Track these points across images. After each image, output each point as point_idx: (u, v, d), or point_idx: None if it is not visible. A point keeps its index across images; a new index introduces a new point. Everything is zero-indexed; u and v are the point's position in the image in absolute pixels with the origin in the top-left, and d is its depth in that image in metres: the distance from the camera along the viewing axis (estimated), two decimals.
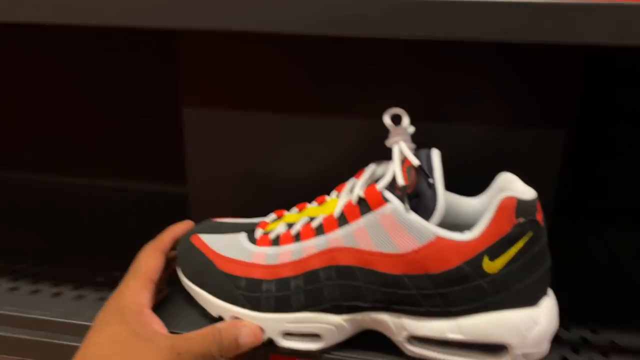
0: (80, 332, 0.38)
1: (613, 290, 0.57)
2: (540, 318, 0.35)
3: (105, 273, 0.52)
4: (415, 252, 0.34)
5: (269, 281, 0.38)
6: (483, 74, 0.44)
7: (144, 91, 0.70)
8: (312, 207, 0.40)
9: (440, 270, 0.34)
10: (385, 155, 0.39)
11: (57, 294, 0.48)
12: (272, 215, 0.43)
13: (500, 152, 0.45)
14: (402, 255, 0.34)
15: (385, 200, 0.35)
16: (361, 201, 0.36)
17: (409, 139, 0.38)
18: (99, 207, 0.70)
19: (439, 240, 0.34)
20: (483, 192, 0.39)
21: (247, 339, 0.37)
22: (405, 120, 0.38)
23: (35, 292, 0.49)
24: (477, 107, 0.44)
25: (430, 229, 0.34)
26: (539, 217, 0.34)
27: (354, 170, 0.41)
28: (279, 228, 0.40)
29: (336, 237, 0.36)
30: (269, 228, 0.41)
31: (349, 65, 0.45)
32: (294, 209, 0.42)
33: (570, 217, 0.65)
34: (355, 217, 0.36)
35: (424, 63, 0.44)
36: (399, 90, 0.44)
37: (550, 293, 0.37)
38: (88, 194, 0.75)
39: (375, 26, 0.32)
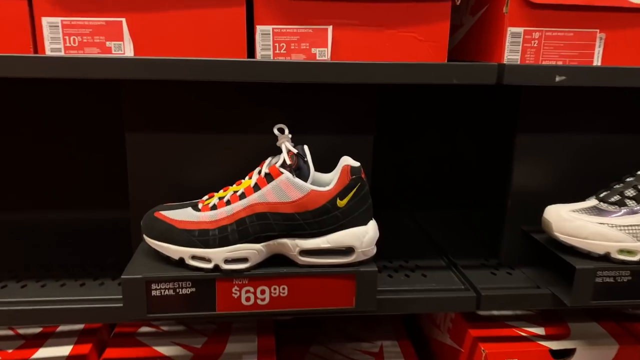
0: None
1: (418, 241, 0.92)
2: (369, 230, 0.65)
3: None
4: (300, 199, 0.62)
5: (213, 229, 0.62)
6: (323, 104, 0.74)
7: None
8: (233, 187, 0.66)
9: (315, 207, 0.62)
10: (257, 160, 0.67)
11: None
12: (206, 197, 0.67)
13: (337, 149, 0.75)
14: (294, 202, 0.62)
15: (281, 172, 0.62)
16: (267, 175, 0.63)
17: (289, 140, 0.66)
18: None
19: (313, 192, 0.62)
20: (334, 170, 0.68)
21: None
22: (286, 130, 0.66)
23: None
24: (322, 122, 0.74)
25: (307, 186, 0.62)
26: (363, 176, 0.64)
27: (251, 168, 0.67)
28: (214, 200, 0.65)
29: (253, 198, 0.62)
30: (206, 202, 0.65)
31: (244, 101, 0.72)
32: (220, 191, 0.67)
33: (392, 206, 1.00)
34: (264, 185, 0.62)
35: (288, 98, 0.73)
36: (274, 116, 0.72)
37: (372, 219, 0.67)
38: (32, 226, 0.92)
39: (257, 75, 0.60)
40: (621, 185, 0.72)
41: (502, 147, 0.83)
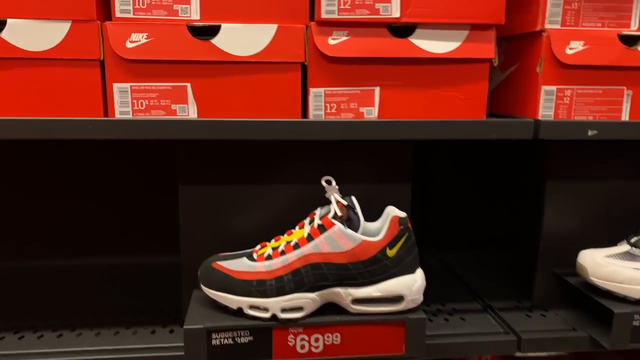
0: None
1: (450, 282, 0.95)
2: (417, 278, 0.68)
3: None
4: (352, 249, 0.65)
5: (270, 279, 0.66)
6: (364, 155, 0.78)
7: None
8: (285, 237, 0.69)
9: (366, 257, 0.66)
10: (303, 210, 0.71)
11: None
12: (258, 246, 0.70)
13: (376, 198, 0.79)
14: (346, 252, 0.65)
15: (334, 224, 0.66)
16: (320, 226, 0.66)
17: (337, 191, 0.69)
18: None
19: (364, 242, 0.66)
20: (379, 219, 0.72)
21: None
22: (333, 182, 0.70)
23: None
24: (362, 172, 0.78)
25: (359, 236, 0.66)
26: (410, 226, 0.68)
27: (296, 217, 0.71)
28: (268, 251, 0.68)
29: (307, 248, 0.66)
30: (260, 252, 0.69)
31: (288, 154, 0.76)
32: (272, 241, 0.70)
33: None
34: (317, 235, 0.66)
35: (331, 151, 0.77)
36: (317, 167, 0.76)
37: (419, 268, 0.70)
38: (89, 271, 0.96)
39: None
40: None
41: (530, 192, 0.87)
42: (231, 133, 0.65)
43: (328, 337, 0.67)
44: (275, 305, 0.65)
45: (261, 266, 0.67)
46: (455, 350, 0.74)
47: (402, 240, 0.67)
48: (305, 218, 0.71)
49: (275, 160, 0.76)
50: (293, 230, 0.70)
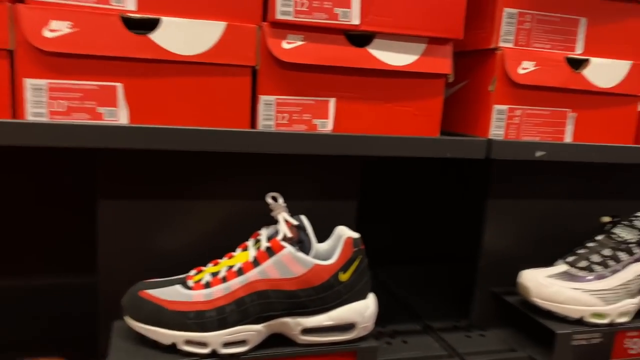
0: None
1: (387, 301, 0.92)
2: (370, 304, 0.64)
3: None
4: (304, 274, 0.59)
5: (209, 310, 0.58)
6: (307, 170, 0.72)
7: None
8: (225, 260, 0.62)
9: (318, 283, 0.60)
10: (242, 229, 0.64)
11: None
12: (193, 271, 0.62)
13: (320, 216, 0.74)
14: (297, 278, 0.59)
15: (284, 247, 0.59)
16: (268, 249, 0.60)
17: (286, 209, 0.63)
18: None
19: (316, 266, 0.60)
20: (329, 239, 0.66)
21: None
22: (280, 199, 0.63)
23: None
24: (305, 188, 0.73)
25: (311, 260, 0.60)
26: (363, 247, 0.63)
27: (233, 238, 0.64)
28: (206, 277, 0.60)
29: (253, 274, 0.59)
30: (196, 278, 0.61)
31: (224, 167, 0.68)
32: (209, 264, 0.62)
33: None
34: (264, 259, 0.59)
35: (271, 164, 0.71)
36: (256, 182, 0.69)
37: (371, 292, 0.65)
38: None
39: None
40: (586, 250, 0.77)
41: (471, 210, 0.87)
42: (170, 143, 0.56)
43: None
44: (216, 339, 0.58)
45: (199, 295, 0.59)
46: None
47: (356, 263, 0.62)
48: (246, 238, 0.64)
49: (212, 172, 0.68)
50: (234, 253, 0.63)
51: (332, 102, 0.63)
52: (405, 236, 1.07)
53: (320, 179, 0.72)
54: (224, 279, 0.59)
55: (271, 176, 0.70)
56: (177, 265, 0.65)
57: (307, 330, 0.61)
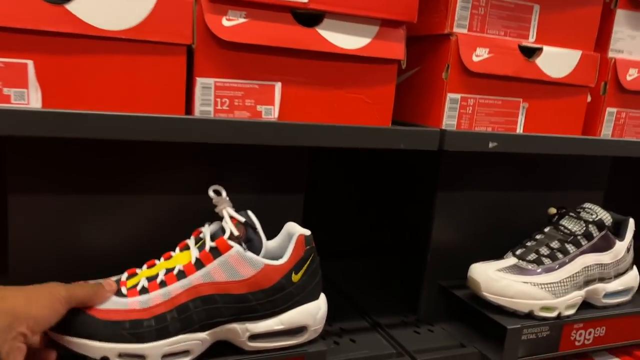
0: None
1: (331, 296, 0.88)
2: (321, 305, 0.60)
3: None
4: (253, 276, 0.54)
5: (148, 319, 0.51)
6: (250, 160, 0.67)
7: None
8: (163, 262, 0.55)
9: (269, 285, 0.55)
10: (180, 225, 0.59)
11: None
12: (125, 274, 0.56)
13: (263, 210, 0.68)
14: (246, 280, 0.54)
15: (231, 246, 0.54)
16: (213, 250, 0.54)
17: (230, 204, 0.57)
18: None
19: (267, 267, 0.55)
20: (277, 236, 0.61)
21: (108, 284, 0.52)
22: (223, 192, 0.58)
23: None
24: (248, 180, 0.67)
25: (261, 260, 0.55)
26: (314, 245, 0.59)
27: (166, 234, 0.58)
28: (142, 282, 0.54)
29: (197, 277, 0.53)
30: (131, 283, 0.54)
31: (155, 155, 0.61)
32: (144, 267, 0.56)
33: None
34: (209, 261, 0.53)
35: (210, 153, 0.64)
36: (193, 172, 0.63)
37: (322, 293, 0.61)
38: None
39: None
40: (534, 242, 0.76)
41: (419, 201, 0.84)
42: (90, 131, 0.49)
43: None
44: (155, 351, 0.51)
45: (135, 302, 0.52)
46: None
47: (308, 262, 0.58)
48: (184, 236, 0.58)
49: (144, 163, 0.61)
50: (172, 253, 0.56)
51: (277, 87, 0.57)
52: (351, 228, 1.04)
53: (265, 171, 0.67)
54: (163, 284, 0.53)
55: (211, 167, 0.63)
56: (104, 269, 0.57)
57: (255, 336, 0.56)
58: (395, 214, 0.96)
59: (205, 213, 0.58)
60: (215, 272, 0.53)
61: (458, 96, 0.66)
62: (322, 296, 0.60)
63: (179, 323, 0.52)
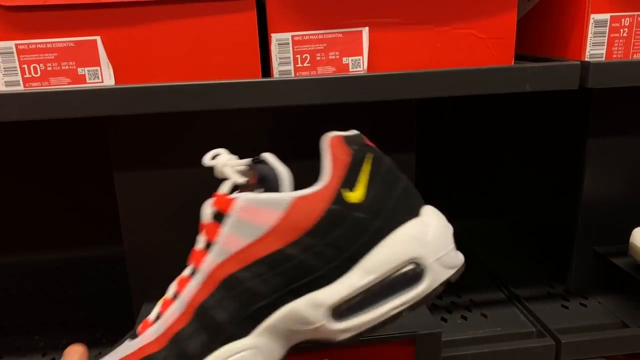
0: None
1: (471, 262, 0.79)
2: (428, 219, 0.37)
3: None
4: (282, 220, 0.35)
5: (161, 350, 0.36)
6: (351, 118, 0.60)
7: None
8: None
9: (313, 223, 0.35)
10: None
11: None
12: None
13: None
14: (273, 231, 0.35)
15: (233, 198, 0.36)
16: (216, 216, 0.37)
17: (232, 157, 0.39)
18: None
19: (298, 199, 0.35)
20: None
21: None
22: (224, 152, 0.40)
23: None
24: None
25: (285, 195, 0.36)
26: (371, 144, 0.39)
27: None
28: (156, 309, 0.39)
29: (209, 262, 0.36)
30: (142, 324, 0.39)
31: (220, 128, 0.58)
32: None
33: None
34: (215, 232, 0.36)
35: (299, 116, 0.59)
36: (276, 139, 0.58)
37: (424, 204, 0.39)
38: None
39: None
40: None
41: (566, 152, 0.70)
42: (166, 104, 0.46)
43: None
44: None
45: (146, 336, 0.37)
46: None
47: (367, 167, 0.37)
48: None
49: (220, 131, 0.57)
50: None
51: (365, 33, 0.49)
52: (481, 186, 0.92)
53: (367, 131, 0.60)
54: (175, 295, 0.38)
55: (296, 132, 0.58)
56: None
57: (340, 312, 0.36)
58: (533, 168, 0.82)
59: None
60: (229, 241, 0.36)
61: (607, 16, 0.51)
62: (427, 209, 0.39)
63: (206, 334, 0.35)
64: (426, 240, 0.36)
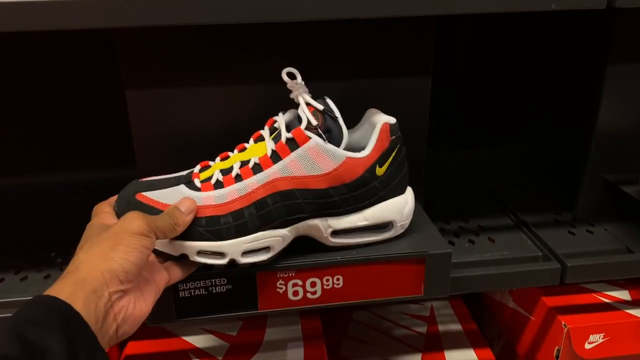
0: None
1: (472, 190, 0.79)
2: (408, 200, 0.54)
3: None
4: (334, 170, 0.49)
5: (224, 215, 0.47)
6: (363, 41, 0.58)
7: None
8: (237, 154, 0.50)
9: (351, 179, 0.50)
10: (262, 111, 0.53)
11: None
12: (197, 167, 0.51)
13: (388, 96, 0.60)
14: (326, 174, 0.49)
15: (309, 137, 0.48)
16: (289, 141, 0.48)
17: (306, 90, 0.50)
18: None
19: (348, 159, 0.49)
20: (358, 125, 0.54)
21: (184, 204, 0.46)
22: (299, 76, 0.49)
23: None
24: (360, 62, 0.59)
25: (342, 153, 0.49)
26: (400, 134, 0.52)
27: (246, 124, 0.53)
28: (216, 175, 0.49)
29: (274, 171, 0.48)
30: (204, 176, 0.49)
31: (239, 44, 0.56)
32: (217, 159, 0.51)
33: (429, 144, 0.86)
34: (286, 154, 0.48)
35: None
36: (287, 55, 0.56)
37: (408, 186, 0.55)
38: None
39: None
40: None
41: (581, 79, 0.69)
42: (181, 16, 0.45)
43: (328, 280, 0.53)
44: (234, 248, 0.48)
45: (209, 197, 0.48)
46: (485, 284, 0.60)
47: (394, 154, 0.51)
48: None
49: (233, 49, 0.56)
50: (246, 145, 0.51)
51: None
52: (490, 113, 0.91)
53: (382, 52, 0.58)
54: (239, 177, 0.49)
55: (310, 50, 0.56)
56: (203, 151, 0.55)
57: (338, 232, 0.52)
58: (548, 97, 0.81)
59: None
60: (293, 165, 0.48)
61: None
62: (409, 190, 0.55)
63: (258, 220, 0.48)
64: (403, 212, 0.54)
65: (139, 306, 0.42)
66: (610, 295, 0.70)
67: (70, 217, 0.73)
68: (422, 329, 0.78)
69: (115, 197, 0.50)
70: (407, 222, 0.55)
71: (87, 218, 0.48)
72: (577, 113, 0.71)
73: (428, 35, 0.58)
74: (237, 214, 0.48)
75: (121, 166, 0.77)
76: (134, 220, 0.42)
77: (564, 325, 0.64)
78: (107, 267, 0.39)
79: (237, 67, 0.57)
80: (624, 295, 0.70)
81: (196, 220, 0.47)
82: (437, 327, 0.79)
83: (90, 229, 0.44)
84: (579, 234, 0.67)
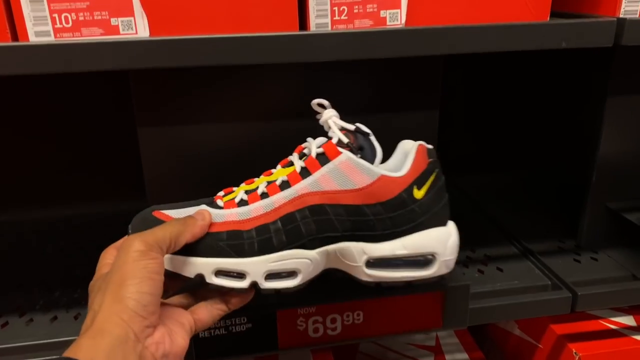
0: None
1: (476, 219, 0.80)
2: (451, 232, 0.50)
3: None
4: (369, 186, 0.46)
5: (248, 230, 0.45)
6: (372, 75, 0.59)
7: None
8: (263, 177, 0.48)
9: (387, 198, 0.46)
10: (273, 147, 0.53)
11: None
12: (221, 192, 0.49)
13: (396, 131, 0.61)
14: (360, 190, 0.46)
15: (340, 152, 0.46)
16: (320, 156, 0.46)
17: (337, 115, 0.48)
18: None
19: (384, 177, 0.46)
20: (392, 156, 0.53)
21: (197, 212, 0.44)
22: (328, 105, 0.49)
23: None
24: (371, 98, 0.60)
25: (377, 169, 0.47)
26: (438, 160, 0.50)
27: (257, 160, 0.53)
28: (240, 194, 0.47)
29: (303, 186, 0.46)
30: (228, 198, 0.47)
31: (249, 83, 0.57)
32: (242, 184, 0.49)
33: None
34: (316, 168, 0.46)
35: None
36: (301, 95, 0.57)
37: (450, 220, 0.51)
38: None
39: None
40: None
41: (583, 109, 0.71)
42: (202, 57, 0.45)
43: (348, 316, 0.53)
44: (257, 267, 0.44)
45: (233, 214, 0.45)
46: (499, 315, 0.61)
47: (432, 177, 0.48)
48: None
49: (245, 89, 0.57)
50: (273, 170, 0.50)
51: None
52: (494, 141, 0.93)
53: (390, 86, 0.59)
54: (265, 195, 0.46)
55: (324, 85, 0.57)
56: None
57: (374, 263, 0.48)
58: (549, 125, 0.83)
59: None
60: (324, 180, 0.45)
61: None
62: (452, 223, 0.50)
63: (284, 235, 0.45)
64: (446, 245, 0.49)
65: (175, 340, 0.40)
66: (617, 322, 0.71)
67: (74, 254, 0.71)
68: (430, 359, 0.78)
69: (121, 241, 0.46)
70: (451, 258, 0.50)
71: (90, 254, 0.46)
72: (578, 142, 0.73)
73: (436, 72, 0.60)
74: (261, 229, 0.45)
75: (128, 200, 0.76)
76: (131, 244, 0.39)
77: (575, 353, 0.65)
78: (122, 307, 0.36)
79: (248, 103, 0.57)
80: (629, 321, 0.71)
81: (216, 234, 0.44)
82: (444, 356, 0.79)
83: (94, 284, 0.41)
84: (584, 262, 0.68)
